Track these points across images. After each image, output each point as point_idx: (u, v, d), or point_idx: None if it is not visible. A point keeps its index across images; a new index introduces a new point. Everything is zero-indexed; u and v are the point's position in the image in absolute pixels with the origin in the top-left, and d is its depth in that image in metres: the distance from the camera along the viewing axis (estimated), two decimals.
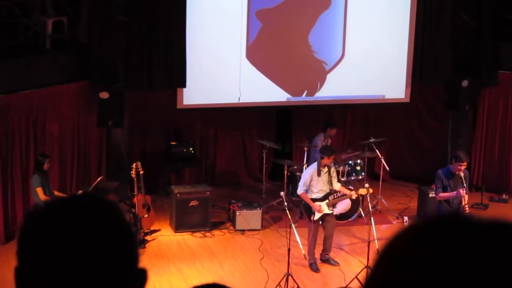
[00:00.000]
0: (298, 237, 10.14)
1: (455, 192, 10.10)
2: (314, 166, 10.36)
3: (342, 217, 11.91)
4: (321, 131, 12.87)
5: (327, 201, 10.27)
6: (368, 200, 10.59)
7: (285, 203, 9.87)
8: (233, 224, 11.84)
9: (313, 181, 10.24)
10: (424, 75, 13.26)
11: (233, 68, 12.64)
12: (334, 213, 10.77)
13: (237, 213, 11.71)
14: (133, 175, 11.17)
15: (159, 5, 11.87)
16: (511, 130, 13.37)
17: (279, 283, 9.73)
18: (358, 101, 13.46)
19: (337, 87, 13.20)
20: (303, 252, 10.28)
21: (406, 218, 12.27)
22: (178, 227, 11.66)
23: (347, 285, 9.89)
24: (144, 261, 1.51)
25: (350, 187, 11.65)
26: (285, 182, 12.29)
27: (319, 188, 10.25)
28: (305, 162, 12.35)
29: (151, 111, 13.18)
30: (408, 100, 13.51)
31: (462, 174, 10.13)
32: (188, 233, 11.63)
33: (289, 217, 9.76)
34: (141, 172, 11.22)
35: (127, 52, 11.80)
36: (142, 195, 11.35)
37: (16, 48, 11.14)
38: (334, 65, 13.15)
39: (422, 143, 14.41)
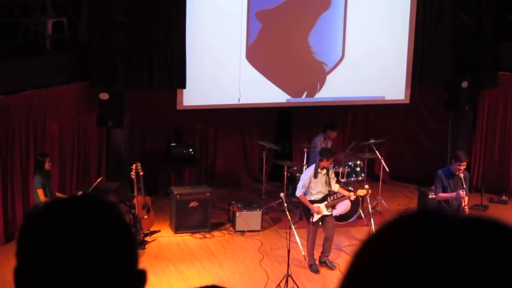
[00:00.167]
0: (298, 238, 10.14)
1: (454, 193, 10.10)
2: (312, 168, 10.36)
3: (342, 218, 11.91)
4: (321, 132, 12.88)
5: (325, 202, 10.26)
6: (368, 201, 10.60)
7: (285, 204, 9.87)
8: (233, 225, 11.83)
9: (312, 183, 10.23)
10: (424, 76, 13.26)
11: (233, 69, 12.64)
12: (334, 214, 10.76)
13: (237, 214, 11.71)
14: (133, 176, 11.17)
15: (159, 5, 11.87)
16: (511, 131, 13.37)
17: (278, 284, 9.72)
18: (358, 102, 13.46)
19: (337, 88, 13.20)
20: (303, 253, 10.28)
21: None
22: (178, 228, 11.66)
23: None
24: (144, 262, 1.51)
25: (350, 188, 11.65)
26: (285, 183, 12.30)
27: (318, 190, 10.24)
28: (305, 163, 12.35)
29: (151, 111, 13.18)
30: (408, 101, 13.51)
31: (462, 175, 10.13)
32: (188, 234, 11.63)
33: (289, 218, 9.76)
34: (141, 173, 11.22)
35: (127, 52, 11.80)
36: (142, 196, 11.34)
37: (16, 48, 11.13)
38: (334, 66, 13.15)
39: (422, 143, 14.42)
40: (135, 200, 11.18)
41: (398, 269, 1.06)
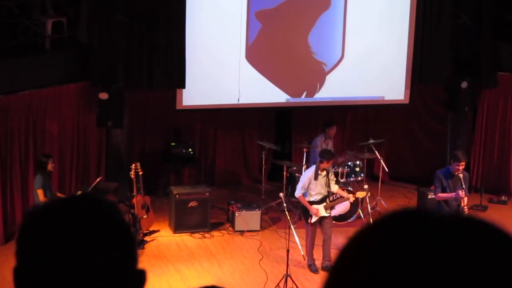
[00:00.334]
0: (297, 238, 10.14)
1: (454, 193, 10.10)
2: (312, 169, 10.35)
3: (341, 218, 11.91)
4: (320, 132, 12.88)
5: (324, 204, 10.26)
6: (367, 201, 10.60)
7: (284, 204, 9.87)
8: (232, 225, 11.83)
9: (311, 184, 10.23)
10: (423, 76, 13.26)
11: (233, 69, 12.64)
12: (333, 214, 10.77)
13: (236, 214, 11.71)
14: (132, 176, 11.17)
15: (159, 5, 11.87)
16: (511, 131, 13.38)
17: (278, 284, 9.72)
18: (358, 102, 13.46)
19: (337, 88, 13.20)
20: (302, 253, 10.28)
21: None
22: (177, 228, 11.66)
23: None
24: (143, 262, 1.52)
25: (349, 188, 11.66)
26: (284, 183, 12.29)
27: (317, 191, 10.24)
28: (304, 163, 12.35)
29: (150, 111, 13.18)
30: (407, 102, 13.51)
31: (461, 175, 10.13)
32: (187, 234, 11.62)
33: (288, 218, 9.76)
34: (140, 173, 11.22)
35: (127, 52, 11.80)
36: (141, 196, 11.34)
37: (16, 48, 11.13)
38: (333, 66, 13.15)
39: (422, 143, 14.42)
40: (134, 200, 11.18)
41: (378, 267, 1.07)
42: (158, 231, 11.72)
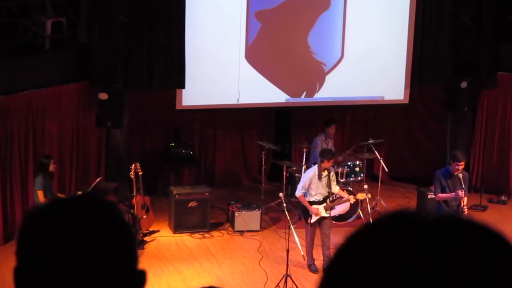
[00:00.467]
0: (297, 238, 10.14)
1: (453, 193, 10.10)
2: (313, 169, 10.34)
3: (341, 218, 11.91)
4: (320, 132, 12.88)
5: (324, 204, 10.26)
6: (367, 201, 10.60)
7: (284, 204, 9.87)
8: (232, 225, 11.83)
9: (312, 184, 10.23)
10: (423, 76, 13.26)
11: (232, 69, 12.64)
12: (333, 214, 10.77)
13: (236, 214, 11.71)
14: (132, 176, 11.17)
15: (159, 5, 11.87)
16: (510, 131, 13.38)
17: (277, 284, 9.72)
18: (357, 102, 13.46)
19: (336, 88, 13.20)
20: (302, 253, 10.28)
21: None
22: (177, 228, 11.65)
23: None
24: (143, 262, 1.51)
25: (349, 188, 11.66)
26: (284, 183, 12.29)
27: (318, 191, 10.24)
28: (304, 163, 12.35)
29: (150, 111, 13.18)
30: (407, 102, 13.50)
31: (461, 175, 10.13)
32: (187, 234, 11.62)
33: (288, 218, 9.76)
34: (140, 173, 11.21)
35: (126, 52, 11.80)
36: (141, 196, 11.34)
37: (16, 48, 11.13)
38: (333, 66, 13.15)
39: (422, 143, 14.42)
40: (134, 200, 11.18)
41: (374, 268, 1.07)
42: (158, 231, 11.72)
